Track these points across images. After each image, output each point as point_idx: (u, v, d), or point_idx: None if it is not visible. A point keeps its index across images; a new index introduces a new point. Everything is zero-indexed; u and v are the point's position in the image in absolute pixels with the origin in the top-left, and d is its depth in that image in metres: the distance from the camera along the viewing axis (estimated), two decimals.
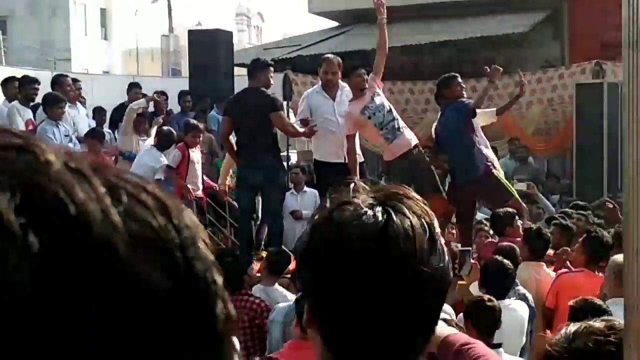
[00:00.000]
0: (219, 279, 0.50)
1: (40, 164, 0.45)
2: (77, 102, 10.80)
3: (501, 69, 8.21)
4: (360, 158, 8.20)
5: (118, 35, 37.50)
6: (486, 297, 4.87)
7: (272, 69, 8.33)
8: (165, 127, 10.11)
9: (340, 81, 8.17)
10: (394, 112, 7.94)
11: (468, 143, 7.87)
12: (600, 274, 5.79)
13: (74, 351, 0.43)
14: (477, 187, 8.01)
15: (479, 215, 8.91)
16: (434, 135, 8.33)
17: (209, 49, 12.87)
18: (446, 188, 8.51)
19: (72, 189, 0.45)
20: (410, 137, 7.84)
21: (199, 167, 9.51)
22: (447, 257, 1.17)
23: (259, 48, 19.48)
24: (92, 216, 0.44)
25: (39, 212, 0.44)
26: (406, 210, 1.16)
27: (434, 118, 9.54)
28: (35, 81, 10.52)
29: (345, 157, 7.97)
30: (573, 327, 1.41)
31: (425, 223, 1.15)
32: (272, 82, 8.30)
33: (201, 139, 9.76)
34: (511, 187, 8.47)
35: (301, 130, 8.14)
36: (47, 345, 0.42)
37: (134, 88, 12.32)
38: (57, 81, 10.74)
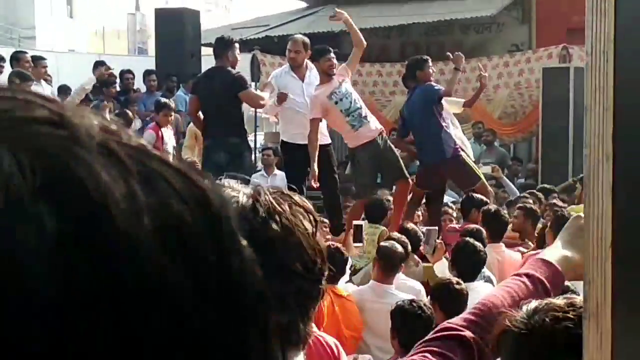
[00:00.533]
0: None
1: (72, 143, 0.40)
2: (42, 80, 10.63)
3: (463, 56, 8.33)
4: (327, 139, 8.18)
5: (84, 14, 37.00)
6: (454, 279, 4.89)
7: (237, 45, 8.29)
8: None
9: (309, 62, 8.14)
10: (360, 101, 7.95)
11: (435, 125, 7.93)
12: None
13: (82, 349, 0.39)
14: (444, 169, 8.06)
15: (445, 198, 8.96)
16: (400, 118, 8.38)
17: (175, 27, 12.74)
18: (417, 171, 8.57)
19: (99, 175, 0.40)
20: (375, 126, 7.85)
21: (170, 147, 9.43)
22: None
23: (227, 28, 19.34)
24: (116, 208, 0.39)
25: (61, 198, 0.39)
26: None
27: (401, 100, 9.58)
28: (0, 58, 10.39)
29: None
30: (534, 304, 1.41)
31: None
32: (239, 58, 8.25)
33: (172, 117, 9.69)
34: (478, 170, 8.54)
35: (268, 96, 8.05)
36: (57, 340, 0.38)
37: (99, 66, 12.15)
38: (16, 57, 10.58)
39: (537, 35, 16.17)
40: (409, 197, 8.15)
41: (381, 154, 7.78)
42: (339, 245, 5.53)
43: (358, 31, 8.07)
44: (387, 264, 5.44)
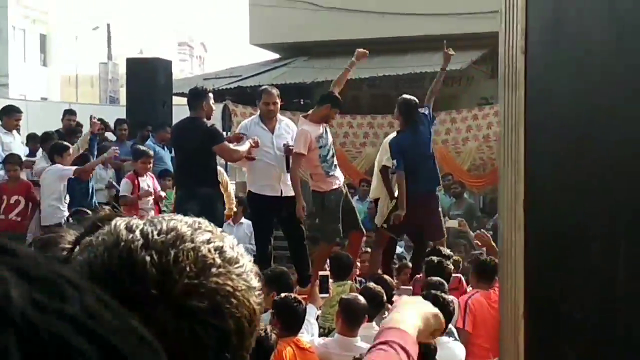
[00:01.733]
0: None
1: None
2: (13, 131, 10.59)
3: (453, 53, 8.64)
4: (290, 191, 8.23)
5: (58, 62, 37.03)
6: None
7: (211, 95, 8.27)
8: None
9: (278, 114, 8.20)
10: (333, 150, 8.10)
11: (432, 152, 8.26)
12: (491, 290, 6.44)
13: None
14: (434, 202, 8.30)
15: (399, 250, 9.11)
16: (395, 153, 8.42)
17: (147, 77, 12.75)
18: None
19: None
20: (341, 176, 8.11)
21: (151, 193, 9.31)
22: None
23: (199, 78, 19.43)
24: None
25: None
26: None
27: (372, 152, 9.66)
28: None
29: (281, 191, 7.99)
30: None
31: None
32: (214, 108, 8.24)
33: (151, 165, 9.56)
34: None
35: (245, 148, 8.03)
36: None
37: (67, 115, 12.18)
38: None
39: None
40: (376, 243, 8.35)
41: (344, 203, 7.97)
42: (296, 296, 5.49)
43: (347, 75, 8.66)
44: (351, 317, 5.42)
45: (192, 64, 55.47)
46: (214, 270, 0.92)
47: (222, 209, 8.56)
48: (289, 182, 8.02)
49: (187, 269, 0.89)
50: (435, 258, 7.00)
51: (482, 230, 9.55)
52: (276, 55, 18.50)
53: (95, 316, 0.48)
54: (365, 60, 8.74)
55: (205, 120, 8.01)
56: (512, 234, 0.99)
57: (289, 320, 5.18)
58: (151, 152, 9.67)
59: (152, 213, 9.08)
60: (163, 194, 9.61)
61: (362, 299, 5.57)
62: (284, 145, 8.01)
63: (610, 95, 0.78)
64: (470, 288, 6.93)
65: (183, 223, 1.00)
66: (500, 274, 1.01)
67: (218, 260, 0.94)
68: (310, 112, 8.17)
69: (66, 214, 8.92)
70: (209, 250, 0.94)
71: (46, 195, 9.03)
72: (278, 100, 8.10)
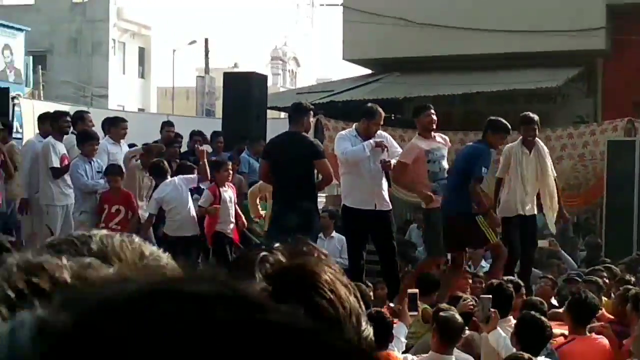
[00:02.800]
0: None
1: None
2: (121, 141, 10.85)
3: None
4: (388, 205, 8.25)
5: (155, 74, 38.10)
6: (526, 355, 4.79)
7: (312, 113, 8.39)
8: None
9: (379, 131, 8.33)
10: (445, 174, 8.17)
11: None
12: (593, 335, 5.92)
13: None
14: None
15: None
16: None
17: (242, 91, 13.01)
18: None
19: None
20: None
21: (231, 206, 9.49)
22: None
23: (292, 92, 19.70)
24: None
25: None
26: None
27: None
28: (67, 114, 10.70)
29: (375, 205, 8.08)
30: None
31: (325, 317, 0.96)
32: (311, 125, 8.35)
33: (231, 174, 9.70)
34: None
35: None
36: None
37: (166, 126, 12.49)
38: (79, 117, 10.89)
39: (602, 108, 16.07)
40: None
41: (440, 221, 8.03)
42: (380, 309, 5.53)
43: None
44: (447, 335, 5.40)
45: (284, 78, 56.12)
46: None
47: (319, 223, 8.65)
48: (384, 196, 8.12)
49: None
50: (495, 281, 6.90)
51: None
52: (368, 71, 18.60)
53: None
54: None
55: (305, 134, 8.15)
56: None
57: (378, 333, 5.23)
58: (228, 162, 9.88)
59: (231, 225, 9.29)
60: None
61: (459, 317, 5.56)
62: (382, 161, 8.05)
63: None
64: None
65: None
66: None
67: None
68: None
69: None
70: None
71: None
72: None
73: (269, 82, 15.35)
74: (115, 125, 10.64)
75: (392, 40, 16.49)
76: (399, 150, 8.36)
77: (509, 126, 8.35)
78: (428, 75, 16.58)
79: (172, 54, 36.95)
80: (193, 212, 9.32)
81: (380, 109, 8.30)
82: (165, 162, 9.90)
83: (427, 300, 7.11)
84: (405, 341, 6.14)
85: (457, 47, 16.15)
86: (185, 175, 9.52)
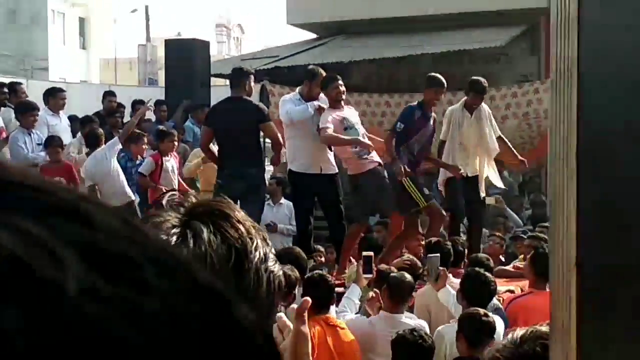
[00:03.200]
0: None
1: None
2: (60, 112, 10.68)
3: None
4: (334, 169, 8.19)
5: (96, 45, 37.35)
6: (482, 310, 4.81)
7: (252, 77, 8.27)
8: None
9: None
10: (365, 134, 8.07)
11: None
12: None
13: None
14: None
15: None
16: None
17: (185, 58, 12.81)
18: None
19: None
20: (375, 156, 7.97)
21: (174, 176, 9.38)
22: (264, 285, 1.04)
23: (237, 59, 19.45)
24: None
25: None
26: (207, 234, 1.03)
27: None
28: (2, 85, 10.49)
29: (321, 168, 8.02)
30: (520, 332, 1.39)
31: (234, 248, 1.02)
32: (253, 89, 8.24)
33: (176, 145, 9.63)
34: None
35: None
36: None
37: (108, 96, 12.31)
38: (12, 89, 10.70)
39: (545, 66, 16.19)
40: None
41: (381, 181, 7.89)
42: (323, 272, 5.48)
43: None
44: (397, 294, 5.43)
45: (229, 45, 55.58)
46: None
47: (265, 190, 8.58)
48: (330, 160, 8.06)
49: None
50: (434, 239, 6.97)
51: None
52: (313, 35, 18.45)
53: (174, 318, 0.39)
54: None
55: (249, 98, 8.02)
56: (564, 183, 0.97)
57: (315, 298, 5.19)
58: (174, 132, 9.73)
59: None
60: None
61: (408, 276, 5.57)
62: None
63: None
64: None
65: None
66: (552, 225, 1.00)
67: None
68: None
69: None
70: None
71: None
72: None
73: (214, 51, 15.16)
74: (53, 96, 10.45)
75: (336, 3, 16.35)
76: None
77: (442, 80, 8.38)
78: (373, 37, 16.50)
79: (113, 24, 36.28)
80: (123, 180, 9.08)
81: (322, 71, 8.22)
82: (100, 130, 9.75)
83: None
84: (359, 303, 6.13)
85: (401, 9, 16.08)
86: (108, 143, 9.28)
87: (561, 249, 0.98)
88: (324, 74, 8.18)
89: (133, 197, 9.14)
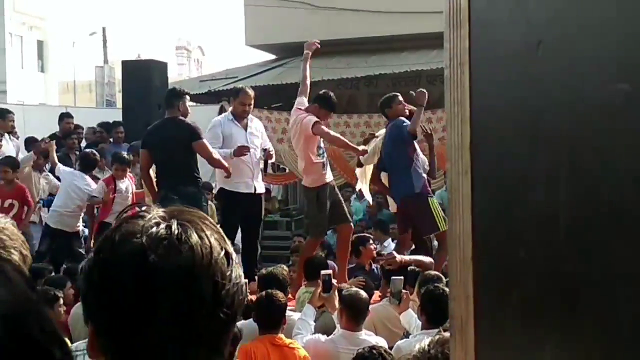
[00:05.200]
0: None
1: None
2: (7, 134, 10.62)
3: (425, 92, 8.43)
4: (264, 188, 8.67)
5: (56, 68, 37.03)
6: (443, 289, 4.87)
7: (188, 97, 8.35)
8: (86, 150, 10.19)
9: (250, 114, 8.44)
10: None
11: (404, 159, 8.07)
12: None
13: None
14: (412, 206, 8.10)
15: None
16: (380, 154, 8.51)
17: (142, 79, 12.71)
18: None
19: None
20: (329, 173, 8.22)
21: (129, 196, 9.35)
22: (242, 280, 1.13)
23: (195, 80, 19.42)
24: None
25: None
26: (201, 225, 1.12)
27: (368, 151, 9.64)
28: None
29: (255, 188, 8.22)
30: (427, 340, 1.45)
31: (219, 241, 1.13)
32: (189, 110, 8.25)
33: (127, 171, 9.67)
34: (442, 221, 8.47)
35: (221, 158, 8.07)
36: None
37: (65, 118, 12.22)
38: None
39: None
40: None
41: (334, 195, 8.12)
42: (272, 292, 5.44)
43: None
44: (354, 311, 5.43)
45: (190, 67, 55.45)
46: None
47: (205, 207, 8.58)
48: (261, 180, 8.41)
49: None
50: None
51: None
52: (272, 56, 18.49)
53: None
54: (313, 48, 8.76)
55: (183, 118, 8.03)
56: (459, 179, 0.97)
57: (263, 318, 5.17)
58: (126, 159, 9.76)
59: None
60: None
61: (363, 293, 5.57)
62: (263, 149, 8.28)
63: (554, 32, 0.76)
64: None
65: None
66: (450, 219, 0.99)
67: None
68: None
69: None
70: None
71: None
72: (252, 102, 8.39)
73: (175, 73, 15.08)
74: (2, 117, 10.40)
75: (295, 24, 16.41)
76: (266, 138, 8.74)
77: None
78: (331, 58, 16.58)
79: (72, 47, 35.99)
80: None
81: (248, 89, 8.52)
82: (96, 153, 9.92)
83: (313, 284, 7.05)
84: (314, 323, 6.09)
85: (359, 31, 16.19)
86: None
87: (458, 247, 0.98)
88: (249, 92, 8.43)
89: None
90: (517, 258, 0.85)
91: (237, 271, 1.13)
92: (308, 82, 8.56)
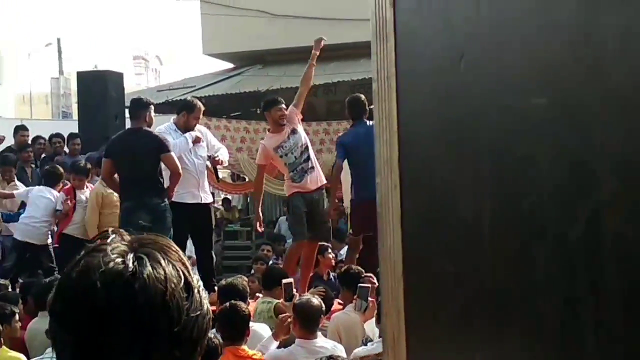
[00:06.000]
0: None
1: None
2: None
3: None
4: (210, 197, 8.56)
5: (11, 80, 36.54)
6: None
7: (152, 107, 8.22)
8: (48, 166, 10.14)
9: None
10: (309, 151, 8.26)
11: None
12: None
13: None
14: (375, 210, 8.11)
15: None
16: (340, 146, 8.49)
17: (98, 90, 12.57)
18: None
19: None
20: (317, 180, 8.16)
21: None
22: (205, 306, 1.14)
23: (153, 90, 19.31)
24: None
25: None
26: (160, 258, 1.12)
27: (329, 158, 9.72)
28: None
29: (202, 198, 8.19)
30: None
31: (180, 271, 1.13)
32: (154, 121, 8.18)
33: (86, 181, 9.61)
34: None
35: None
36: None
37: (20, 130, 12.06)
38: None
39: None
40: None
41: (313, 207, 8.08)
42: (236, 303, 5.41)
43: (313, 68, 8.49)
44: (308, 319, 5.40)
45: (147, 77, 55.09)
46: None
47: (170, 219, 8.46)
48: (207, 189, 8.36)
49: None
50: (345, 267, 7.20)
51: None
52: (230, 65, 18.45)
53: None
54: (321, 45, 8.81)
55: (149, 129, 7.96)
56: (389, 194, 0.96)
57: (227, 329, 5.14)
58: (84, 168, 9.71)
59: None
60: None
61: (315, 300, 5.55)
62: (210, 157, 8.26)
63: (476, 44, 0.76)
64: None
65: None
66: (380, 235, 0.99)
67: None
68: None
69: None
70: None
71: None
72: (201, 115, 8.42)
73: (133, 83, 14.95)
74: None
75: (252, 33, 16.39)
76: (219, 145, 8.67)
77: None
78: (290, 66, 16.57)
79: (27, 59, 35.53)
80: None
81: (199, 103, 8.45)
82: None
83: (271, 294, 7.03)
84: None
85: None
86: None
87: (389, 261, 0.97)
88: (201, 107, 8.39)
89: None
90: (445, 270, 0.85)
91: (199, 300, 1.14)
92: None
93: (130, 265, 1.10)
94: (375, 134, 0.98)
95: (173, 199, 7.98)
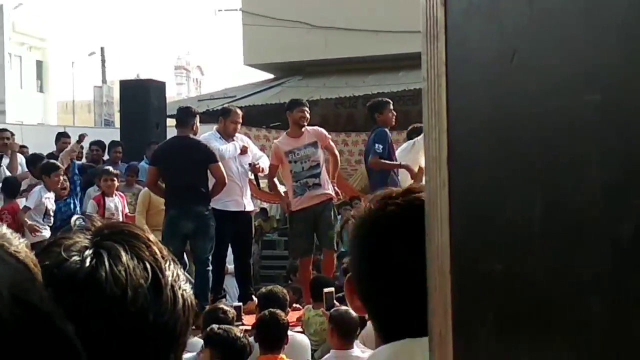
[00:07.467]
0: None
1: None
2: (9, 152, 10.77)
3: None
4: (251, 206, 8.62)
5: (55, 88, 37.21)
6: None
7: (198, 117, 8.30)
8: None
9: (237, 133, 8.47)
10: (320, 169, 8.19)
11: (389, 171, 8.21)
12: None
13: None
14: None
15: None
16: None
17: (140, 99, 12.74)
18: None
19: None
20: (316, 195, 8.13)
21: (118, 214, 9.26)
22: (180, 303, 1.03)
23: (194, 99, 19.48)
24: None
25: None
26: (123, 254, 1.01)
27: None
28: None
29: (245, 205, 8.26)
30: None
31: (149, 266, 1.02)
32: (199, 130, 8.25)
33: (115, 182, 9.55)
34: None
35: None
36: None
37: (61, 137, 12.22)
38: None
39: None
40: None
41: (316, 219, 8.12)
42: (275, 311, 5.42)
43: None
44: (345, 331, 5.40)
45: (189, 87, 55.57)
46: None
47: (213, 228, 8.49)
48: (249, 197, 8.45)
49: None
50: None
51: None
52: (270, 76, 18.57)
53: None
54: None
55: (197, 138, 8.02)
56: (437, 192, 0.96)
57: (266, 338, 5.14)
58: (113, 172, 9.67)
59: None
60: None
61: (353, 312, 5.55)
62: (251, 164, 8.30)
63: (527, 43, 0.76)
64: None
65: None
66: (428, 232, 0.99)
67: None
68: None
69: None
70: None
71: None
72: (241, 120, 8.47)
73: (174, 92, 15.12)
74: None
75: (293, 44, 16.50)
76: (260, 153, 8.72)
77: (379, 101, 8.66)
78: (329, 77, 16.65)
79: (71, 67, 36.09)
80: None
81: (235, 108, 8.64)
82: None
83: (322, 304, 7.03)
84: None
85: (357, 50, 16.25)
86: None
87: (436, 259, 0.98)
88: (238, 111, 8.48)
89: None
90: (493, 270, 0.85)
91: (171, 298, 1.03)
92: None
93: (88, 262, 1.00)
94: (425, 132, 0.98)
95: (217, 207, 8.02)
